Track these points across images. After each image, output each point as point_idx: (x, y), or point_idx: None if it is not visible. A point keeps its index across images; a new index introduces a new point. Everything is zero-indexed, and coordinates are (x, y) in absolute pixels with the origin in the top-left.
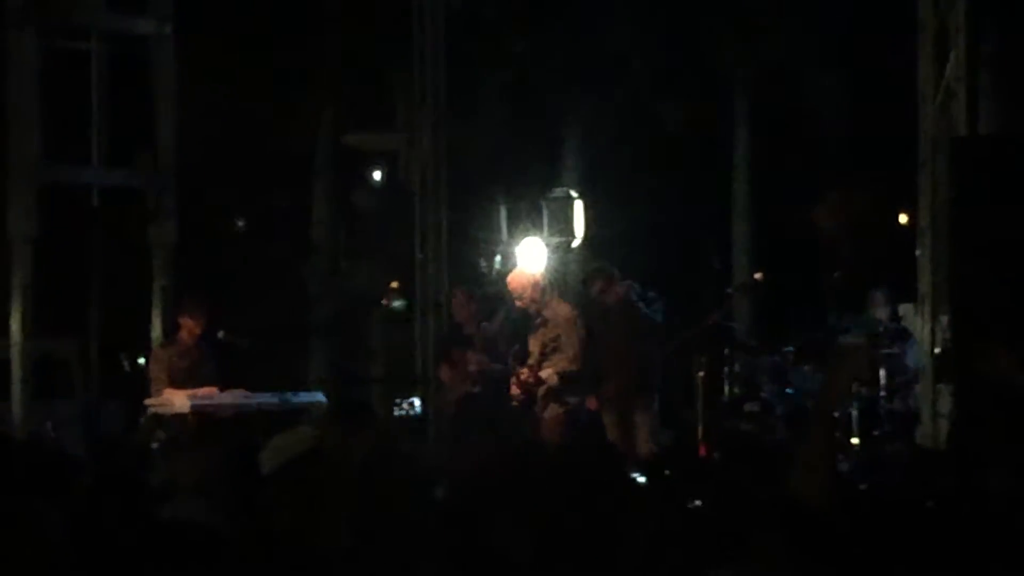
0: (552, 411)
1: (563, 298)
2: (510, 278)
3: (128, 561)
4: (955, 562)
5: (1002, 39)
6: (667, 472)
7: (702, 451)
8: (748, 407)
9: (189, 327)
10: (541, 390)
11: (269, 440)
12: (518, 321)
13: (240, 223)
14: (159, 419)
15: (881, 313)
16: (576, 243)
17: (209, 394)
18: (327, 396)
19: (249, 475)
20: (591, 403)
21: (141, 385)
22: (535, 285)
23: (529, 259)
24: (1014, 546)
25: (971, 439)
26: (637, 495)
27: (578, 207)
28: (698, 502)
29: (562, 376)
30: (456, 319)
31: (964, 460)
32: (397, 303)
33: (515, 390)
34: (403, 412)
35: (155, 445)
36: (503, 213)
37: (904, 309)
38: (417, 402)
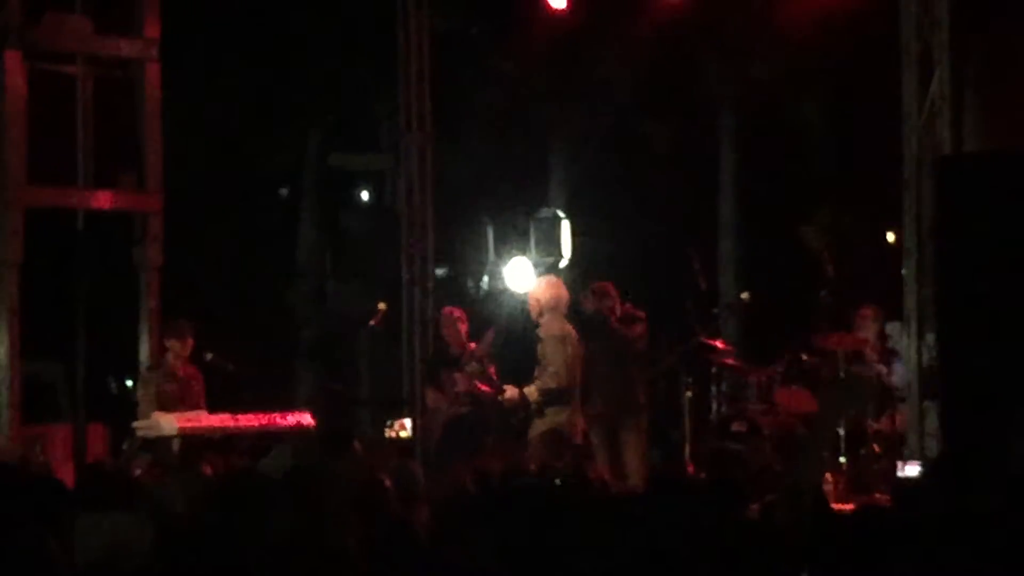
0: (536, 428)
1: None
2: (546, 288)
3: None
4: None
5: (985, 58)
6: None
7: (690, 470)
8: (735, 427)
9: (176, 350)
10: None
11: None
12: (508, 342)
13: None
14: (145, 443)
15: (870, 332)
16: (563, 263)
17: (197, 417)
18: (314, 418)
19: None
20: (578, 422)
21: (128, 408)
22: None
23: (516, 279)
24: (1000, 566)
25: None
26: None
27: (565, 227)
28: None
29: (543, 392)
30: (444, 338)
31: (950, 481)
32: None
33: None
34: (394, 434)
35: (138, 471)
36: (490, 233)
37: (891, 328)
38: (408, 423)
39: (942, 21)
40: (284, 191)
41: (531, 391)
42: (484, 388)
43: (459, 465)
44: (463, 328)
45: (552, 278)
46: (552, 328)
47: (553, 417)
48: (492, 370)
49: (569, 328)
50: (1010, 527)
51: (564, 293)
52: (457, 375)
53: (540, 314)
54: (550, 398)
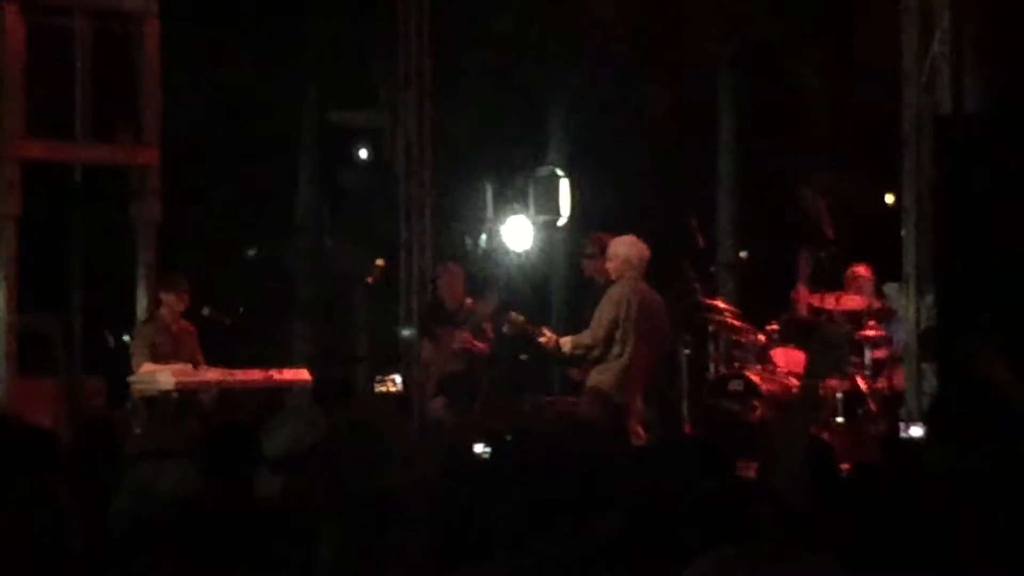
0: (589, 381)
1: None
2: (637, 248)
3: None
4: (934, 545)
5: (986, 18)
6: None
7: (687, 429)
8: (732, 386)
9: (170, 304)
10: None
11: (272, 420)
12: (509, 304)
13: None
14: (145, 401)
15: (865, 292)
16: (562, 221)
17: (193, 371)
18: (311, 374)
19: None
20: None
21: (125, 362)
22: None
23: (515, 238)
24: (992, 530)
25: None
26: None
27: (564, 185)
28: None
29: (575, 345)
30: (440, 294)
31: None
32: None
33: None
34: (384, 389)
35: (138, 431)
36: (488, 191)
37: (889, 288)
38: (399, 379)
39: None
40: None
41: (565, 341)
42: (480, 346)
43: (456, 423)
44: (460, 284)
45: (634, 237)
46: (618, 287)
47: (597, 376)
48: (490, 328)
49: (642, 291)
50: (1005, 486)
51: (647, 253)
52: (455, 331)
53: (622, 272)
54: (581, 353)
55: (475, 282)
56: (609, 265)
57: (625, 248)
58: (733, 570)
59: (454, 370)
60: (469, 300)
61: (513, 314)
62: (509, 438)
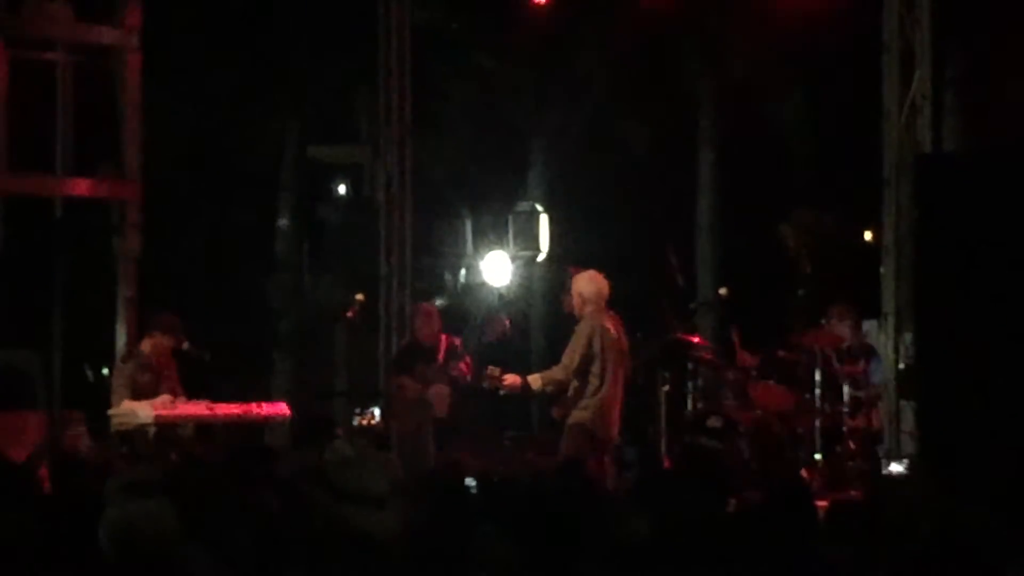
0: (570, 419)
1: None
2: (594, 282)
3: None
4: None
5: (965, 59)
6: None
7: (666, 465)
8: (711, 422)
9: (159, 344)
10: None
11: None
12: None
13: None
14: (123, 436)
15: (843, 329)
16: (541, 257)
17: (173, 405)
18: (290, 408)
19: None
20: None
21: (105, 396)
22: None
23: (494, 273)
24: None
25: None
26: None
27: (543, 221)
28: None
29: (547, 382)
30: (416, 333)
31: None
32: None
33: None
34: (363, 423)
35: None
36: (468, 227)
37: (868, 325)
38: (377, 412)
39: (924, 21)
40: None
41: (535, 379)
42: (463, 368)
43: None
44: (435, 321)
45: (593, 272)
46: (584, 323)
47: (579, 413)
48: (468, 360)
49: (607, 324)
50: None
51: (605, 287)
52: (432, 368)
53: (583, 308)
54: (553, 389)
55: (454, 316)
56: (572, 302)
57: (581, 284)
58: None
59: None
60: (444, 336)
61: (490, 368)
62: (496, 479)
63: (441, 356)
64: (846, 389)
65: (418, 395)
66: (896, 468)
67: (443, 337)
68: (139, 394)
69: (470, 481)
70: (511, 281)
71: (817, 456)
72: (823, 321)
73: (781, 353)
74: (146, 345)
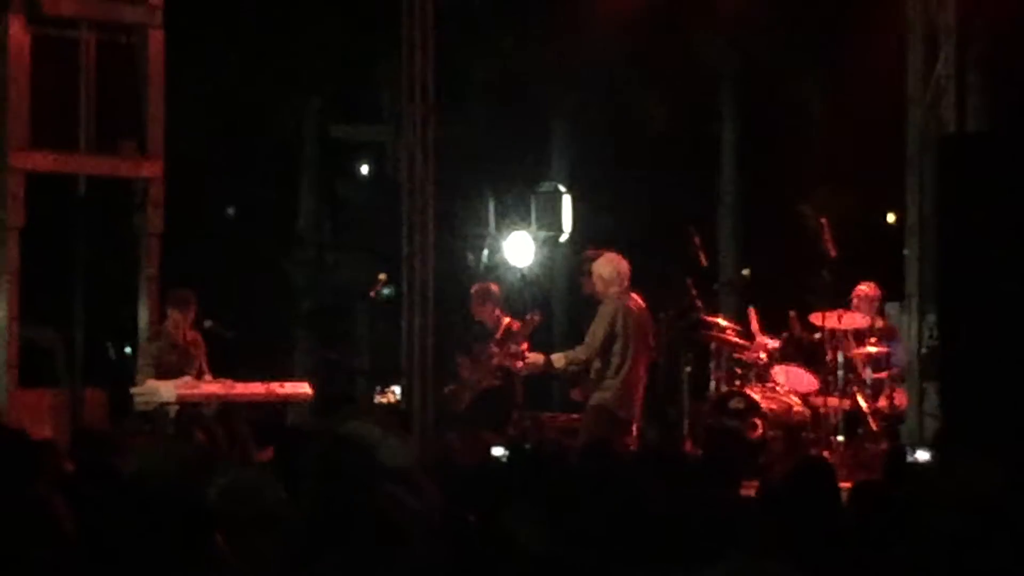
0: (592, 400)
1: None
2: (613, 264)
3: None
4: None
5: (991, 39)
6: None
7: (688, 447)
8: (733, 403)
9: (177, 319)
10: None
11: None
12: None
13: (230, 211)
14: (145, 415)
15: (868, 310)
16: (564, 237)
17: (195, 384)
18: (312, 387)
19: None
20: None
21: (127, 374)
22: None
23: (517, 253)
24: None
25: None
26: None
27: (566, 201)
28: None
29: (571, 361)
30: (475, 315)
31: (950, 461)
32: (387, 290)
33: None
34: (383, 400)
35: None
36: (491, 207)
37: (891, 308)
38: (398, 390)
39: (948, 1)
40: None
41: (558, 358)
42: (518, 364)
43: (486, 436)
44: (493, 304)
45: (611, 254)
46: (607, 304)
47: (601, 393)
48: (525, 347)
49: (631, 305)
50: (1010, 508)
51: (625, 267)
52: (492, 348)
53: (606, 290)
54: (577, 369)
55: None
56: (592, 284)
57: (600, 267)
58: None
59: (492, 386)
60: (507, 319)
61: (513, 347)
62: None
63: (497, 337)
64: (868, 371)
65: (474, 375)
66: (921, 455)
67: (504, 319)
68: (164, 373)
69: (499, 451)
70: (533, 261)
71: (839, 438)
72: (847, 302)
73: (798, 333)
74: (168, 323)
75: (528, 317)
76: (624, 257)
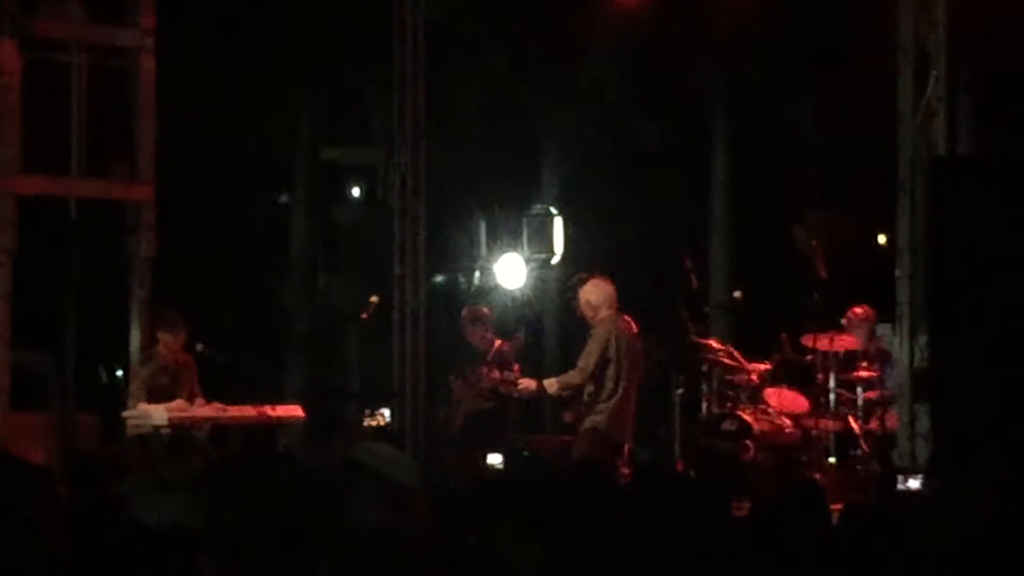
0: (585, 423)
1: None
2: (599, 288)
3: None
4: None
5: (981, 61)
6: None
7: (679, 468)
8: (725, 425)
9: (167, 343)
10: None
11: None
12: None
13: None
14: (138, 437)
15: (860, 332)
16: (555, 260)
17: (187, 407)
18: (304, 410)
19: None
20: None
21: (118, 397)
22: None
23: (508, 276)
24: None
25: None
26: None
27: (558, 224)
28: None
29: (563, 386)
30: (467, 337)
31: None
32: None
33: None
34: (372, 424)
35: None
36: (482, 229)
37: (883, 330)
38: (387, 413)
39: (940, 23)
40: (283, 198)
41: (551, 383)
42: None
43: (478, 455)
44: (484, 327)
45: (596, 279)
46: (599, 328)
47: (594, 417)
48: (516, 369)
49: (623, 328)
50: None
51: (612, 290)
52: (483, 370)
53: (596, 314)
54: (570, 393)
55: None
56: (583, 311)
57: (587, 293)
58: None
59: (482, 407)
60: (498, 341)
61: (506, 372)
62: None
63: (489, 359)
64: (860, 392)
65: (466, 396)
66: (913, 484)
67: (496, 342)
68: (156, 397)
69: (495, 458)
70: (525, 284)
71: (831, 460)
72: (839, 324)
73: (789, 355)
74: (159, 347)
75: (514, 336)
76: (614, 280)
